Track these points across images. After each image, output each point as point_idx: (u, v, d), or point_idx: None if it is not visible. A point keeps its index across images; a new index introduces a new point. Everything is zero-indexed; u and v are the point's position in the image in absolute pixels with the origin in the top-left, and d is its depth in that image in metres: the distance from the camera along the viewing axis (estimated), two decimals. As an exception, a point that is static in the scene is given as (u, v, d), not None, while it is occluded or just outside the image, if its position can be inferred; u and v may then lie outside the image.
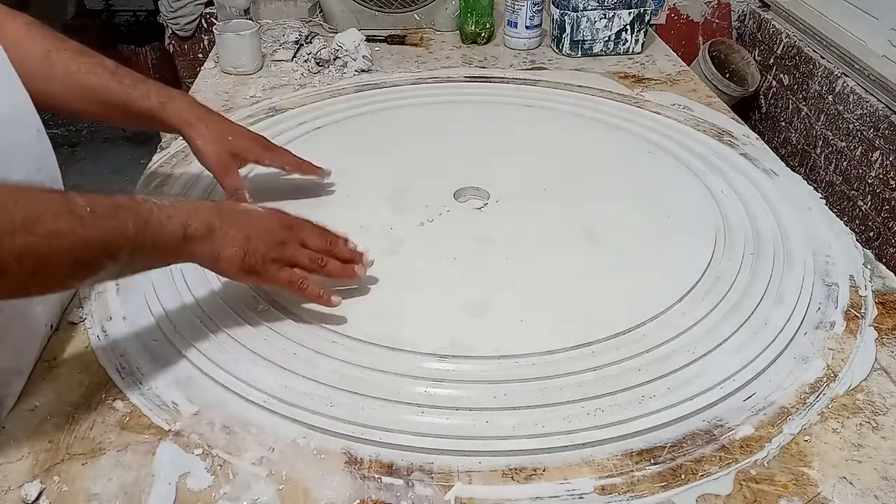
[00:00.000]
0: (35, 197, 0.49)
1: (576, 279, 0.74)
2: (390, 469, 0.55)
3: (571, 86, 1.19)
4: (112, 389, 0.61)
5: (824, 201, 0.90)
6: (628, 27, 1.33)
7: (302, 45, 1.33)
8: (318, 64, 1.24)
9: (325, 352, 0.64)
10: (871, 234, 1.60)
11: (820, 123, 1.80)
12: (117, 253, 0.52)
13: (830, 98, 1.75)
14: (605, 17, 1.31)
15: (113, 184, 2.45)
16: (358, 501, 0.53)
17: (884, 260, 1.27)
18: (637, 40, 1.34)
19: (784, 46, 1.98)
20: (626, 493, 0.53)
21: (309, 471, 0.55)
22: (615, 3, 1.36)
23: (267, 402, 0.60)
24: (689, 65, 1.39)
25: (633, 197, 0.89)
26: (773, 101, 2.05)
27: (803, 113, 1.88)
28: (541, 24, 1.36)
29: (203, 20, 2.35)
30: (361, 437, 0.57)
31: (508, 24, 1.36)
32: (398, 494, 0.53)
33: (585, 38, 1.33)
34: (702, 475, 0.55)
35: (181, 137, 0.78)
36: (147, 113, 0.75)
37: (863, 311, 0.72)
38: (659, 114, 1.10)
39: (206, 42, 2.39)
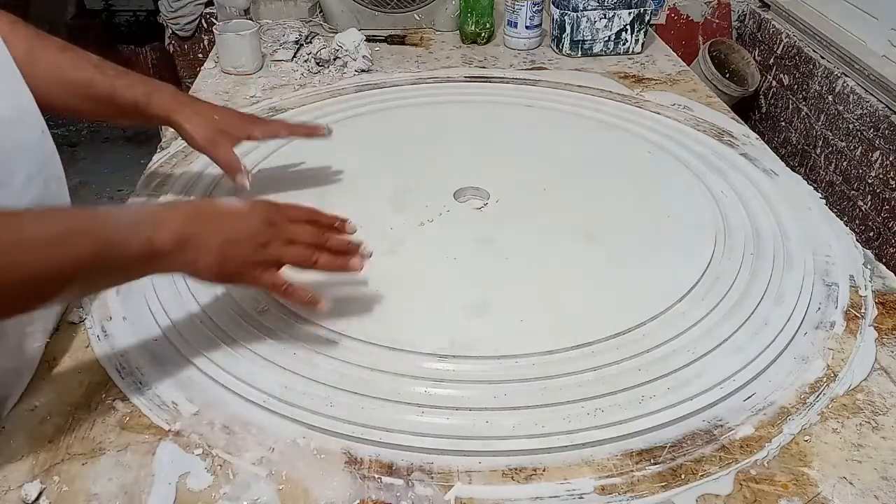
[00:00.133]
0: None
1: (576, 279, 0.74)
2: (390, 469, 0.55)
3: (571, 86, 1.19)
4: (112, 389, 0.61)
5: (824, 201, 0.90)
6: (628, 27, 1.33)
7: (302, 45, 1.33)
8: (318, 64, 1.24)
9: (325, 352, 0.64)
10: (871, 234, 1.60)
11: (820, 123, 1.80)
12: (72, 279, 0.49)
13: (830, 98, 1.75)
14: (605, 17, 1.31)
15: (113, 184, 2.46)
16: (358, 501, 0.53)
17: (884, 260, 1.27)
18: (637, 40, 1.34)
19: (784, 46, 1.98)
20: (626, 493, 0.53)
21: (309, 471, 0.55)
22: (615, 3, 1.36)
23: (267, 402, 0.60)
24: (689, 65, 1.39)
25: (633, 197, 0.89)
26: (773, 101, 2.05)
27: (803, 113, 1.88)
28: (541, 24, 1.36)
29: (203, 20, 2.35)
30: (361, 437, 0.57)
31: (508, 24, 1.36)
32: (398, 494, 0.53)
33: (585, 38, 1.33)
34: (702, 475, 0.55)
35: (174, 132, 0.78)
36: (132, 104, 0.75)
37: (863, 311, 0.72)
38: (659, 114, 1.10)
39: (206, 42, 2.39)
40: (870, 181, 1.60)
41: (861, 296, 0.74)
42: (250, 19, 1.34)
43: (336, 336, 0.66)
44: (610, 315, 0.68)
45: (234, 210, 0.58)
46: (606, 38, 1.33)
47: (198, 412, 0.59)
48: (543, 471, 0.55)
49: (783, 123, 2.00)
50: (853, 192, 1.67)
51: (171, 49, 2.46)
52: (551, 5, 1.34)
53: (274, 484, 0.54)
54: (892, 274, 0.78)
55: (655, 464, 0.56)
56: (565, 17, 1.31)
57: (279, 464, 0.55)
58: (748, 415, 0.60)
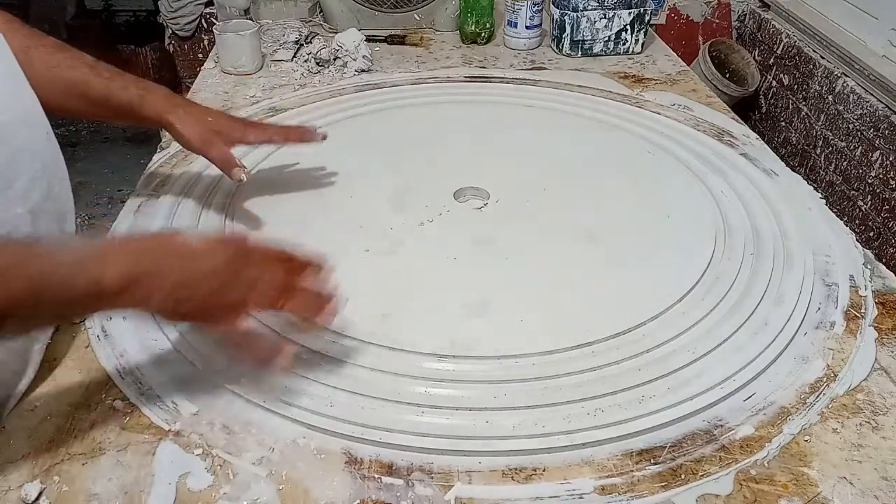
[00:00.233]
0: None
1: (576, 279, 0.74)
2: (390, 469, 0.55)
3: (571, 86, 1.19)
4: (112, 389, 0.61)
5: (824, 201, 0.90)
6: (628, 27, 1.33)
7: (302, 45, 1.33)
8: (318, 64, 1.24)
9: (325, 352, 0.64)
10: (871, 234, 1.60)
11: (820, 123, 1.80)
12: (5, 317, 0.45)
13: (830, 98, 1.75)
14: (605, 17, 1.31)
15: (113, 184, 2.46)
16: (358, 501, 0.53)
17: (884, 260, 1.27)
18: (637, 40, 1.34)
19: (784, 46, 1.98)
20: (626, 493, 0.53)
21: (309, 471, 0.55)
22: (615, 3, 1.36)
23: (267, 402, 0.60)
24: (689, 65, 1.39)
25: (633, 197, 0.89)
26: (773, 101, 2.05)
27: (803, 113, 1.88)
28: (541, 24, 1.36)
29: (203, 20, 2.35)
30: (361, 437, 0.57)
31: (508, 24, 1.36)
32: (398, 494, 0.53)
33: (585, 38, 1.33)
34: (702, 475, 0.55)
35: (163, 129, 0.78)
36: (126, 105, 0.75)
37: (863, 311, 0.72)
38: (659, 114, 1.10)
39: (206, 42, 2.39)
40: (870, 181, 1.60)
41: (861, 296, 0.74)
42: (250, 19, 1.34)
43: (336, 336, 0.66)
44: (610, 315, 0.68)
45: (195, 247, 0.53)
46: (606, 38, 1.33)
47: (198, 412, 0.59)
48: (543, 471, 0.55)
49: (783, 123, 2.00)
50: (853, 192, 1.67)
51: (171, 49, 2.46)
52: (551, 5, 1.34)
53: (274, 484, 0.54)
54: (892, 274, 0.78)
55: (655, 464, 0.56)
56: (565, 17, 1.31)
57: (279, 464, 0.55)
58: (748, 415, 0.60)
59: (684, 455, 0.56)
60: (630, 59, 1.34)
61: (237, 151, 0.79)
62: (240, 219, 0.82)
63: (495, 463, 0.56)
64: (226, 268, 0.53)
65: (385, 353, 0.64)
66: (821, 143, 1.80)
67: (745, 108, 2.14)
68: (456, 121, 1.08)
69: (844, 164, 1.70)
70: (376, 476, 0.55)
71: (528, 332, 0.66)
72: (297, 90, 1.17)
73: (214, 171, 0.90)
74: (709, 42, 2.14)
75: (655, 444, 0.57)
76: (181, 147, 0.97)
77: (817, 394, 0.62)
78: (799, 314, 0.70)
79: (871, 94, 1.60)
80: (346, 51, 1.24)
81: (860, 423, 0.60)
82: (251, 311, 0.54)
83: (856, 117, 1.65)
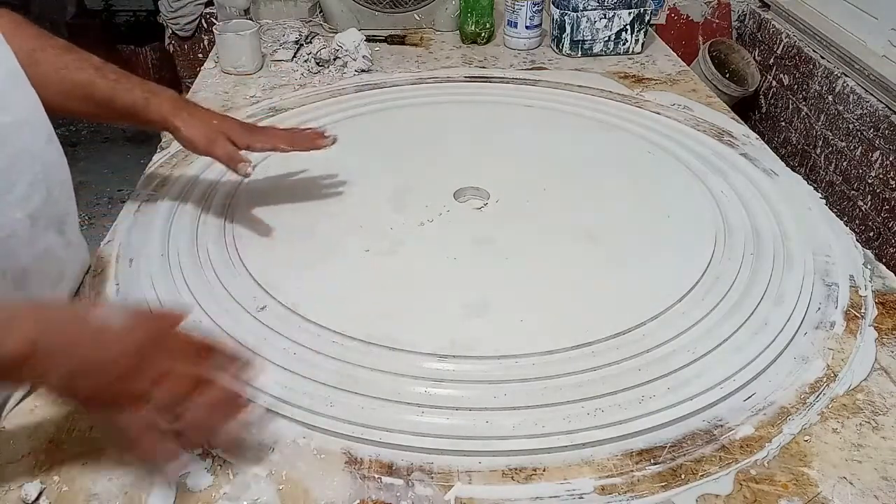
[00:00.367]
0: None
1: (576, 279, 0.74)
2: (390, 469, 0.55)
3: (571, 86, 1.19)
4: (112, 389, 0.61)
5: (824, 201, 0.90)
6: (628, 27, 1.33)
7: (302, 45, 1.33)
8: (318, 64, 1.24)
9: (325, 352, 0.64)
10: (871, 234, 1.60)
11: (820, 123, 1.80)
12: None
13: (830, 98, 1.75)
14: (605, 17, 1.31)
15: (113, 184, 2.46)
16: (358, 501, 0.53)
17: (884, 260, 1.27)
18: (637, 40, 1.34)
19: (784, 46, 1.98)
20: (626, 493, 0.53)
21: (309, 471, 0.55)
22: (615, 3, 1.36)
23: (267, 402, 0.60)
24: (689, 65, 1.39)
25: (633, 197, 0.89)
26: (773, 101, 2.05)
27: (803, 113, 1.88)
28: (541, 24, 1.36)
29: (203, 20, 2.35)
30: (361, 437, 0.57)
31: (508, 24, 1.36)
32: (398, 494, 0.53)
33: (585, 38, 1.33)
34: (702, 475, 0.55)
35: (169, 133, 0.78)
36: (131, 108, 0.74)
37: (863, 311, 0.72)
38: (659, 114, 1.10)
39: (206, 42, 2.39)
40: (870, 181, 1.60)
41: (861, 296, 0.74)
42: (250, 19, 1.34)
43: (336, 336, 0.66)
44: (610, 315, 0.68)
45: (107, 329, 0.48)
46: (606, 38, 1.33)
47: (198, 412, 0.59)
48: (543, 471, 0.55)
49: (783, 123, 2.00)
50: (853, 192, 1.67)
51: (171, 49, 2.46)
52: (551, 5, 1.34)
53: (274, 484, 0.54)
54: (892, 274, 0.78)
55: (655, 464, 0.56)
56: (565, 17, 1.31)
57: (279, 464, 0.55)
58: (748, 415, 0.60)
59: (684, 455, 0.56)
60: (630, 59, 1.34)
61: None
62: (239, 219, 0.82)
63: (495, 463, 0.56)
64: (134, 355, 0.47)
65: (385, 353, 0.64)
66: (821, 143, 1.80)
67: (745, 108, 2.14)
68: (456, 121, 1.08)
69: (844, 164, 1.70)
70: (376, 476, 0.55)
71: (528, 332, 0.66)
72: (297, 90, 1.17)
73: (214, 171, 0.90)
74: (709, 42, 2.14)
75: (655, 444, 0.57)
76: (181, 147, 0.97)
77: (817, 394, 0.62)
78: (799, 314, 0.70)
79: (871, 94, 1.60)
80: (346, 51, 1.24)
81: (860, 423, 0.60)
82: (152, 407, 0.47)
83: (856, 117, 1.65)
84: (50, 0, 2.86)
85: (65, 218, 0.68)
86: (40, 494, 0.52)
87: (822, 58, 1.80)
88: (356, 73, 1.23)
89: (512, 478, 0.55)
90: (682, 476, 0.55)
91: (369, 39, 1.32)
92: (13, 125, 0.59)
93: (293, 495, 0.53)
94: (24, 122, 0.61)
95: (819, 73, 1.80)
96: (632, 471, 0.55)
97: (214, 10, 1.48)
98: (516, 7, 1.32)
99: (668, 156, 0.98)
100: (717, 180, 0.92)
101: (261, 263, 0.75)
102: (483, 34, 1.38)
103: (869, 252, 0.81)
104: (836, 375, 0.64)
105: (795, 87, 1.92)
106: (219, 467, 0.55)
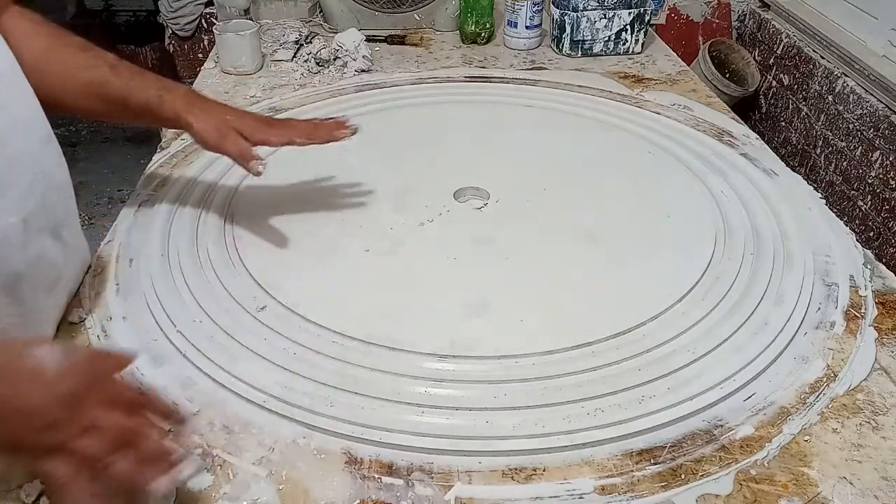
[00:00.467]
0: None
1: (576, 279, 0.74)
2: (390, 469, 0.55)
3: (571, 86, 1.19)
4: (112, 389, 0.61)
5: (824, 201, 0.90)
6: (628, 27, 1.32)
7: (302, 45, 1.33)
8: (318, 64, 1.24)
9: (325, 352, 0.64)
10: (871, 234, 1.60)
11: (820, 123, 1.80)
12: None
13: (830, 98, 1.75)
14: (605, 17, 1.31)
15: (113, 184, 2.46)
16: (358, 501, 0.53)
17: (884, 260, 1.27)
18: (637, 40, 1.34)
19: (784, 46, 1.98)
20: (626, 493, 0.53)
21: (309, 471, 0.55)
22: (615, 3, 1.36)
23: (267, 402, 0.60)
24: (689, 65, 1.39)
25: (633, 197, 0.89)
26: (773, 101, 2.05)
27: (803, 113, 1.88)
28: (541, 24, 1.36)
29: (203, 20, 2.35)
30: (361, 437, 0.57)
31: (508, 24, 1.36)
32: (398, 494, 0.53)
33: (585, 38, 1.33)
34: (702, 475, 0.55)
35: (175, 132, 0.76)
36: (145, 106, 0.72)
37: (863, 311, 0.72)
38: (659, 114, 1.10)
39: (206, 42, 2.39)
40: (870, 181, 1.60)
41: (861, 296, 0.74)
42: (250, 19, 1.34)
43: (336, 336, 0.66)
44: (610, 315, 0.68)
45: (34, 372, 0.44)
46: (606, 38, 1.33)
47: (198, 412, 0.59)
48: (543, 471, 0.55)
49: (783, 123, 1.99)
50: (853, 192, 1.67)
51: (171, 49, 2.46)
52: (551, 5, 1.34)
53: (274, 484, 0.54)
54: (892, 274, 0.78)
55: (655, 464, 0.56)
56: (565, 17, 1.31)
57: (279, 464, 0.55)
58: (748, 415, 0.60)
59: (684, 455, 0.56)
60: (630, 59, 1.34)
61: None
62: (239, 219, 0.82)
63: (495, 463, 0.56)
64: (57, 405, 0.44)
65: (385, 353, 0.64)
66: (821, 143, 1.80)
67: (745, 108, 2.14)
68: (456, 121, 1.08)
69: (844, 164, 1.70)
70: (376, 476, 0.55)
71: (528, 332, 0.66)
72: (297, 90, 1.17)
73: (214, 171, 0.90)
74: (709, 42, 2.14)
75: (655, 444, 0.57)
76: (181, 147, 0.97)
77: (817, 394, 0.62)
78: (799, 314, 0.70)
79: (871, 94, 1.60)
80: (346, 51, 1.24)
81: (860, 423, 0.60)
82: (78, 458, 0.44)
83: (856, 117, 1.65)
84: (50, 0, 2.86)
85: (63, 221, 0.67)
86: (40, 495, 0.52)
87: (822, 58, 1.80)
88: (356, 73, 1.23)
89: (512, 478, 0.55)
90: (682, 476, 0.55)
91: (369, 39, 1.32)
92: (9, 127, 0.58)
93: (293, 495, 0.53)
94: (21, 123, 0.60)
95: (819, 73, 1.80)
96: (632, 471, 0.55)
97: (214, 10, 1.48)
98: (516, 7, 1.32)
99: (668, 156, 0.98)
100: (717, 180, 0.92)
101: (261, 263, 0.75)
102: (483, 34, 1.38)
103: (869, 252, 0.81)
104: (836, 375, 0.64)
105: (795, 87, 1.92)
106: (219, 467, 0.55)
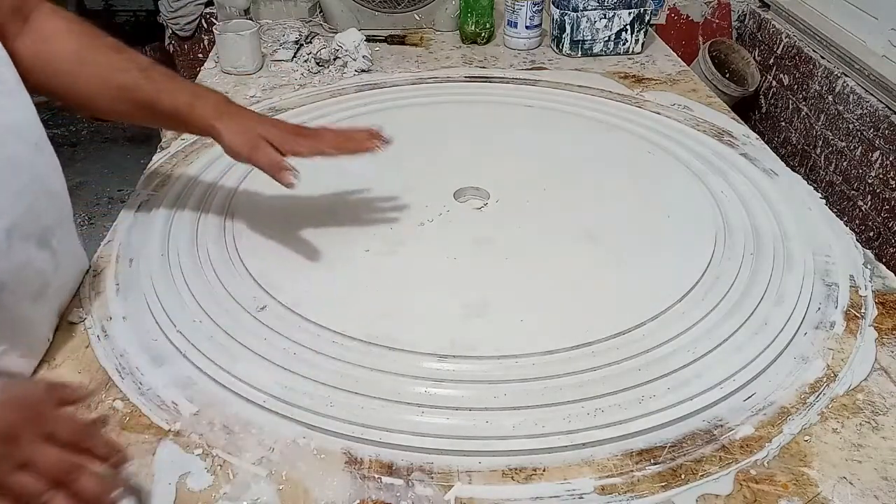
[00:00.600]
0: None
1: (576, 279, 0.74)
2: (390, 469, 0.55)
3: (571, 86, 1.19)
4: (112, 389, 0.62)
5: (824, 201, 0.90)
6: (628, 27, 1.32)
7: (302, 45, 1.33)
8: (318, 64, 1.24)
9: (325, 352, 0.64)
10: (871, 234, 1.60)
11: (820, 123, 1.80)
12: None
13: (830, 98, 1.75)
14: (605, 17, 1.31)
15: (113, 184, 2.46)
16: (358, 501, 0.53)
17: (884, 260, 1.27)
18: (637, 40, 1.34)
19: (784, 46, 1.98)
20: (626, 493, 0.53)
21: (309, 471, 0.55)
22: (615, 3, 1.36)
23: (267, 402, 0.60)
24: (689, 65, 1.39)
25: (633, 197, 0.89)
26: (773, 101, 2.05)
27: (803, 113, 1.88)
28: (541, 24, 1.36)
29: (203, 20, 2.34)
30: (361, 437, 0.57)
31: (508, 24, 1.36)
32: (398, 494, 0.53)
33: (585, 38, 1.33)
34: (702, 475, 0.55)
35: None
36: (174, 112, 0.71)
37: (863, 311, 0.72)
38: (659, 114, 1.10)
39: (206, 42, 2.38)
40: (870, 181, 1.60)
41: (861, 296, 0.74)
42: (250, 19, 1.34)
43: (336, 336, 0.66)
44: (610, 315, 0.68)
45: None
46: (606, 38, 1.33)
47: (198, 412, 0.59)
48: (543, 471, 0.55)
49: (783, 123, 1.99)
50: (853, 192, 1.67)
51: (171, 49, 2.45)
52: (551, 5, 1.34)
53: (274, 484, 0.54)
54: (892, 274, 0.78)
55: (655, 464, 0.56)
56: (565, 17, 1.31)
57: (279, 464, 0.55)
58: (748, 415, 0.60)
59: (684, 455, 0.56)
60: (630, 59, 1.34)
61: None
62: (239, 219, 0.82)
63: (495, 463, 0.56)
64: (11, 425, 0.44)
65: (385, 353, 0.64)
66: (821, 143, 1.80)
67: (745, 108, 2.14)
68: (456, 121, 1.08)
69: (844, 164, 1.70)
70: (376, 476, 0.55)
71: (528, 332, 0.66)
72: (297, 90, 1.17)
73: (214, 171, 0.90)
74: (709, 42, 2.14)
75: (655, 444, 0.57)
76: (181, 147, 0.97)
77: (817, 394, 0.62)
78: (799, 314, 0.70)
79: (871, 94, 1.60)
80: (346, 51, 1.24)
81: (860, 423, 0.60)
82: (9, 498, 0.44)
83: (856, 117, 1.65)
84: (49, 0, 2.85)
85: (52, 229, 0.64)
86: (40, 494, 0.52)
87: (822, 58, 1.80)
88: (356, 73, 1.23)
89: (512, 478, 0.55)
90: (682, 476, 0.55)
91: (369, 39, 1.32)
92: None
93: (293, 495, 0.53)
94: (10, 129, 0.58)
95: (819, 73, 1.80)
96: (632, 471, 0.55)
97: (214, 10, 1.48)
98: (516, 7, 1.32)
99: (668, 156, 0.98)
100: (717, 180, 0.92)
101: (261, 263, 0.75)
102: (483, 34, 1.38)
103: (869, 252, 0.81)
104: (836, 375, 0.64)
105: (795, 87, 1.92)
106: (219, 467, 0.55)
